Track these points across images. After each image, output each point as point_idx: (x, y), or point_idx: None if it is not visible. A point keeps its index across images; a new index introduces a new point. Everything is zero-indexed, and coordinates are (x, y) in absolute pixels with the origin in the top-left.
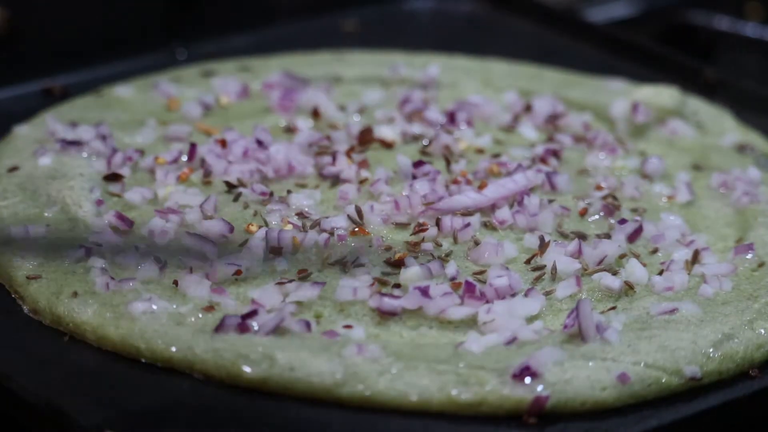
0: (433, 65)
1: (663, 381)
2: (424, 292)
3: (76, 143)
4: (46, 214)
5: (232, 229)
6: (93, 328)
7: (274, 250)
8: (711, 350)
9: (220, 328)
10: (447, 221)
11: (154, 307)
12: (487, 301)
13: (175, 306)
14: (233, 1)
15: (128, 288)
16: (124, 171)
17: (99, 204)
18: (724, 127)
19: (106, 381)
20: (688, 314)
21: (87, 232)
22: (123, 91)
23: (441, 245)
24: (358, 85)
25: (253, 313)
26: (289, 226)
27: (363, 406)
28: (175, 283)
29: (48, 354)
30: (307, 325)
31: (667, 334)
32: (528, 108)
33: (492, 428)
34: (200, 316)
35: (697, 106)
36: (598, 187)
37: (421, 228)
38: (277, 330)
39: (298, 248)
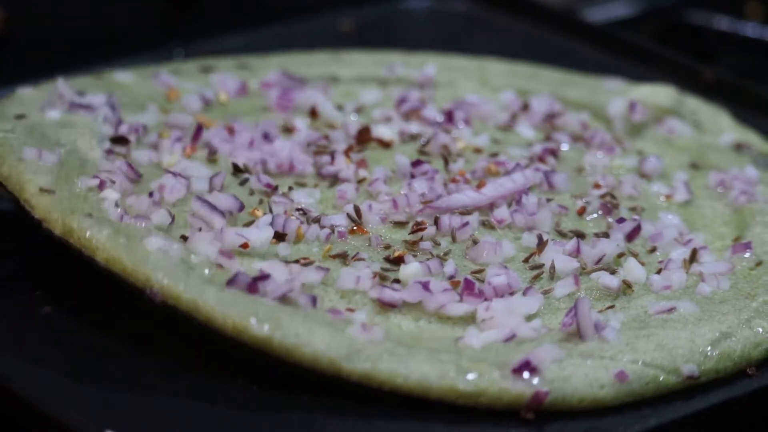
0: (430, 65)
1: (661, 379)
2: (425, 286)
3: (85, 106)
4: (57, 151)
5: (242, 208)
6: (105, 246)
7: (279, 236)
8: (709, 349)
9: (232, 282)
10: (445, 220)
11: (169, 246)
12: (486, 299)
13: (186, 252)
14: (231, 1)
15: (141, 226)
16: (131, 138)
17: (108, 153)
18: (722, 127)
19: (107, 380)
20: (686, 313)
21: (98, 170)
22: (123, 76)
23: (439, 244)
24: (355, 84)
25: (264, 277)
26: (293, 218)
27: (362, 382)
28: (184, 238)
29: (48, 353)
30: (314, 300)
31: (665, 332)
32: (525, 107)
33: (491, 427)
34: (209, 271)
35: (695, 105)
36: (596, 186)
37: (419, 227)
38: (285, 299)
39: (301, 238)
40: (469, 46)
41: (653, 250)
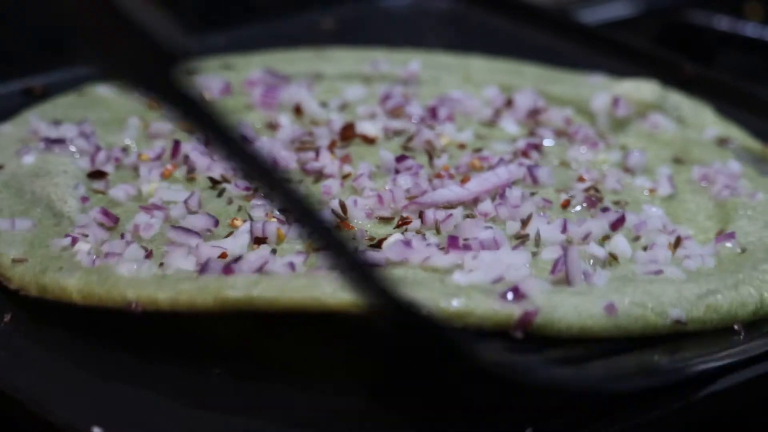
0: (414, 61)
1: (648, 318)
2: (407, 243)
3: (59, 141)
4: (31, 211)
5: (216, 223)
6: (78, 288)
7: (259, 241)
8: (696, 299)
9: (204, 270)
10: (430, 214)
11: (141, 265)
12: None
13: (159, 270)
14: (208, 1)
15: (113, 262)
16: (108, 168)
17: (84, 201)
18: (705, 121)
19: (93, 378)
20: (672, 276)
21: (73, 227)
22: (104, 90)
23: (425, 236)
24: (339, 81)
25: (237, 259)
26: (273, 220)
27: (351, 310)
28: (161, 265)
29: (33, 351)
30: (292, 265)
31: (652, 286)
32: (509, 103)
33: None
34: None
35: (678, 100)
36: (581, 179)
37: (404, 221)
38: (262, 270)
39: (283, 239)
40: (450, 43)
41: (638, 238)
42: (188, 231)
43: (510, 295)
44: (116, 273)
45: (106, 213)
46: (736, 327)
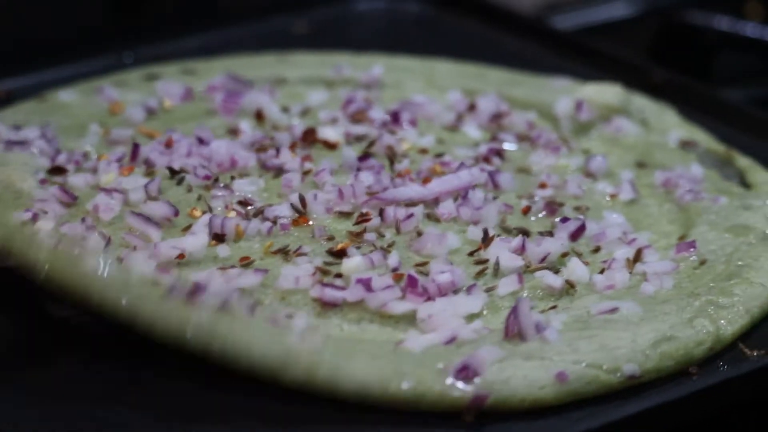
0: (377, 65)
1: (601, 379)
2: (367, 285)
3: (20, 143)
4: None
5: (176, 213)
6: (45, 268)
7: (217, 237)
8: (650, 349)
9: (170, 293)
10: (390, 211)
11: (105, 266)
12: (429, 298)
13: (124, 272)
14: (180, 4)
15: (76, 252)
16: (68, 167)
17: (42, 182)
18: (669, 125)
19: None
20: (628, 313)
21: (32, 201)
22: (66, 95)
23: (384, 235)
24: (301, 86)
25: (200, 289)
26: (233, 213)
27: (302, 389)
28: (120, 260)
29: None
30: (252, 307)
31: (607, 333)
32: (472, 107)
33: (434, 428)
34: (146, 287)
35: (642, 103)
36: (542, 185)
37: (364, 218)
38: (223, 307)
39: (241, 236)
40: (420, 47)
41: (597, 249)
42: (147, 220)
43: (461, 374)
44: (83, 262)
45: (64, 191)
46: (691, 370)
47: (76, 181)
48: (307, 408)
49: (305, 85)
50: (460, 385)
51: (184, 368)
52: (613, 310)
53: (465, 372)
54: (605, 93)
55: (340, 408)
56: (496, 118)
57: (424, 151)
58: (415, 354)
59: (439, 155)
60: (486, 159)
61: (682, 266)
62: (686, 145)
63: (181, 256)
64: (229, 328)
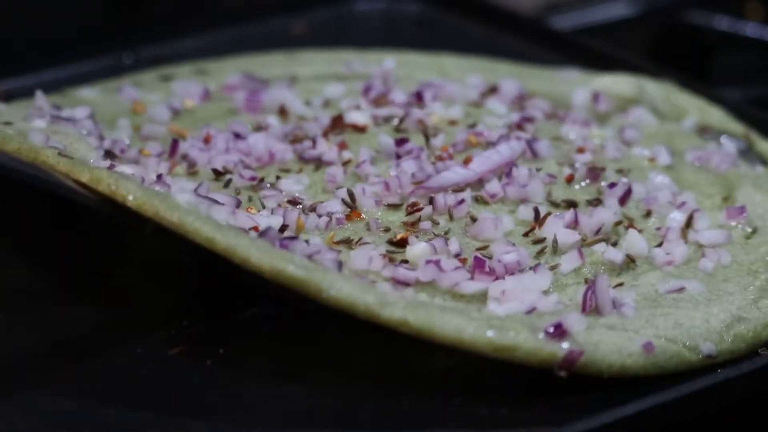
0: (388, 59)
1: (683, 355)
2: (437, 265)
3: (68, 119)
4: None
5: (239, 204)
6: (136, 195)
7: (281, 228)
8: (724, 330)
9: (264, 234)
10: (440, 199)
11: (198, 202)
12: (497, 278)
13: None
14: (180, 5)
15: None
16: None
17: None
18: (681, 111)
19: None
20: (695, 293)
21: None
22: (87, 93)
23: (438, 223)
24: (315, 83)
25: (293, 238)
26: (288, 208)
27: (398, 329)
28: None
29: None
30: (339, 264)
31: (679, 312)
32: (494, 89)
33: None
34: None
35: (652, 91)
36: (580, 150)
37: (414, 208)
38: (312, 259)
39: (302, 228)
40: (420, 47)
41: (648, 214)
42: (214, 201)
43: (554, 332)
44: (173, 198)
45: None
46: (761, 351)
47: (127, 170)
48: (306, 408)
49: (319, 82)
50: (554, 340)
51: (185, 368)
52: (680, 290)
53: (558, 330)
54: (620, 83)
55: (342, 408)
56: (520, 100)
57: (453, 123)
58: (501, 316)
59: (471, 126)
60: (519, 126)
61: (734, 235)
62: (703, 130)
63: (255, 228)
64: (324, 268)
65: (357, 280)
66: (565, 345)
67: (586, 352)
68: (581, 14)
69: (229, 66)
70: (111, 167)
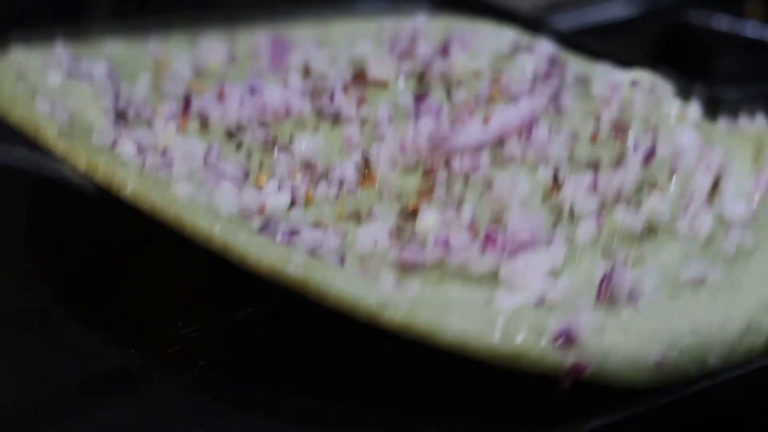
0: (420, 16)
1: (689, 371)
2: (445, 243)
3: (86, 75)
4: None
5: (247, 175)
6: (133, 184)
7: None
8: (736, 341)
9: (264, 229)
10: (456, 163)
11: (196, 193)
12: (509, 254)
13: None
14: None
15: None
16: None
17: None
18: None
19: None
20: (716, 285)
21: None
22: (112, 45)
23: (453, 190)
24: (345, 46)
25: (295, 232)
26: (298, 177)
27: (400, 332)
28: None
29: None
30: (342, 259)
31: (697, 312)
32: (528, 48)
33: None
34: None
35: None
36: (606, 102)
37: (430, 171)
38: (314, 253)
39: (310, 202)
40: None
41: (672, 174)
42: (221, 174)
43: (561, 340)
44: (172, 189)
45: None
46: None
47: (137, 138)
48: (306, 408)
49: (349, 44)
50: (560, 350)
51: (185, 368)
52: (702, 282)
53: (564, 338)
54: (642, 79)
55: (338, 407)
56: (553, 62)
57: (478, 75)
58: (508, 313)
59: (496, 80)
60: (546, 75)
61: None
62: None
63: (262, 209)
64: (325, 266)
65: (359, 276)
66: (572, 357)
67: (593, 363)
68: (581, 14)
69: (259, 28)
70: (114, 143)
